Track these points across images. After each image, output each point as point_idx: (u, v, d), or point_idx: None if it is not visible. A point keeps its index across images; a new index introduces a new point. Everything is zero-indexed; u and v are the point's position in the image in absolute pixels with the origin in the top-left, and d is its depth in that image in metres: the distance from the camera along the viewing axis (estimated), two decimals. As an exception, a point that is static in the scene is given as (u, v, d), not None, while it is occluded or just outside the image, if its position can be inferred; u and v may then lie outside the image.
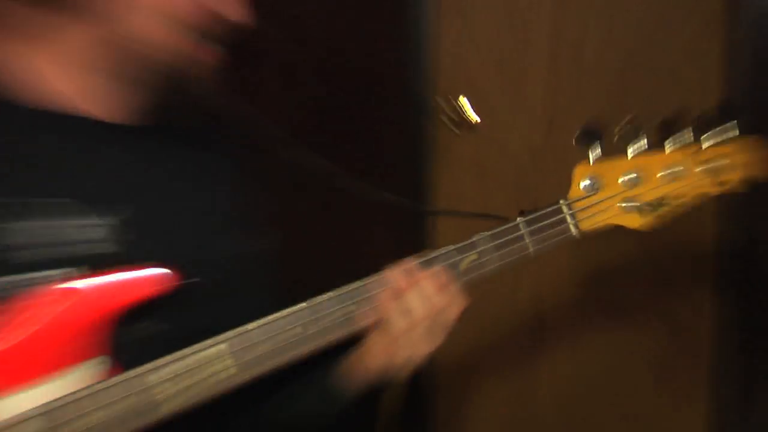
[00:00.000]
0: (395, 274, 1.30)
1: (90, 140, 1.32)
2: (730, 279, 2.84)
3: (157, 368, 1.19)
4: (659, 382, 2.99)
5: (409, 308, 1.29)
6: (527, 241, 1.32)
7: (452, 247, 1.32)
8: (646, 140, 1.35)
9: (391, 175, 2.79)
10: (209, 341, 1.25)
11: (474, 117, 2.82)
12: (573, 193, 1.36)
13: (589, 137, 1.34)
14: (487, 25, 2.85)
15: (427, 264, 1.31)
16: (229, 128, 1.56)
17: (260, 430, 1.49)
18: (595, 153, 1.34)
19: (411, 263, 1.30)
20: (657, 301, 2.95)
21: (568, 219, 1.35)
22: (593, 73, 2.87)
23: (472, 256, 1.31)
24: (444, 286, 1.30)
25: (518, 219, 1.33)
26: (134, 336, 1.28)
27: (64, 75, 1.30)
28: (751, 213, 2.69)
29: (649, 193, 1.35)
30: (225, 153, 1.52)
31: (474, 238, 1.32)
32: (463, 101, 2.83)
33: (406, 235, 2.83)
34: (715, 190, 1.36)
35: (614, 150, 1.36)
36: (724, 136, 1.34)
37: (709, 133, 1.34)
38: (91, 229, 1.27)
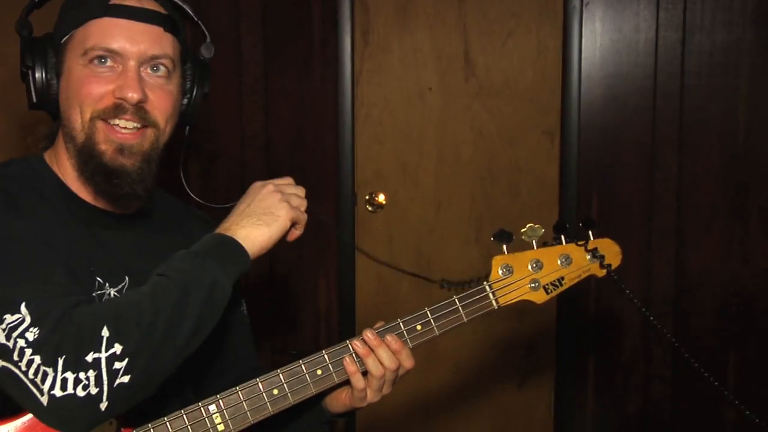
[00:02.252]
0: (356, 344, 1.51)
1: (94, 226, 1.51)
2: (567, 319, 3.44)
3: (161, 424, 1.39)
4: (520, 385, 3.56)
5: (367, 370, 1.51)
6: (461, 313, 1.56)
7: (400, 320, 1.54)
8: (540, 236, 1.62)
9: (329, 242, 3.45)
10: (201, 402, 1.43)
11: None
12: (493, 277, 1.59)
13: (502, 237, 1.59)
14: (392, 135, 3.50)
15: (382, 334, 1.51)
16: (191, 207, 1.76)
17: None
18: (507, 247, 1.60)
19: (369, 334, 1.50)
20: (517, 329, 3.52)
21: (491, 296, 1.58)
22: (468, 169, 3.47)
23: (417, 327, 1.53)
24: (396, 352, 1.51)
25: (453, 297, 1.56)
26: None
27: (66, 174, 1.53)
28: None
29: (550, 275, 1.60)
30: (195, 231, 1.67)
31: (417, 314, 1.54)
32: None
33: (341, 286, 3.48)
34: (600, 273, 1.63)
35: (519, 246, 1.62)
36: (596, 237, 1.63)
37: (590, 233, 1.63)
38: (97, 298, 1.45)
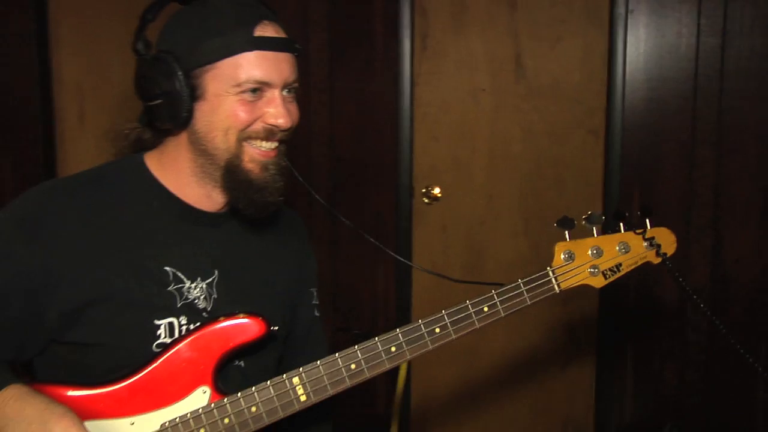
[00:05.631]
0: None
1: (190, 223, 1.54)
2: (608, 304, 3.44)
3: (250, 394, 1.44)
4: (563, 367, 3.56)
5: None
6: (526, 296, 1.53)
7: (469, 301, 1.51)
8: (601, 224, 1.58)
9: (387, 232, 3.49)
10: (286, 374, 1.45)
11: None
12: (556, 262, 1.54)
13: (564, 223, 1.55)
14: (448, 133, 3.52)
15: (452, 315, 1.49)
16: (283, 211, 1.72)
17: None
18: (569, 233, 1.55)
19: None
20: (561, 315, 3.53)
21: (553, 281, 1.54)
22: (517, 164, 3.50)
23: (484, 308, 1.50)
24: None
25: (519, 281, 1.52)
26: (225, 368, 1.49)
27: (176, 179, 1.54)
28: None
29: (609, 261, 1.57)
30: (282, 230, 1.71)
31: (485, 296, 1.51)
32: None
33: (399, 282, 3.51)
34: (656, 260, 1.61)
35: (581, 233, 1.57)
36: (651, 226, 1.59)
37: (647, 221, 1.59)
38: (188, 289, 1.51)
